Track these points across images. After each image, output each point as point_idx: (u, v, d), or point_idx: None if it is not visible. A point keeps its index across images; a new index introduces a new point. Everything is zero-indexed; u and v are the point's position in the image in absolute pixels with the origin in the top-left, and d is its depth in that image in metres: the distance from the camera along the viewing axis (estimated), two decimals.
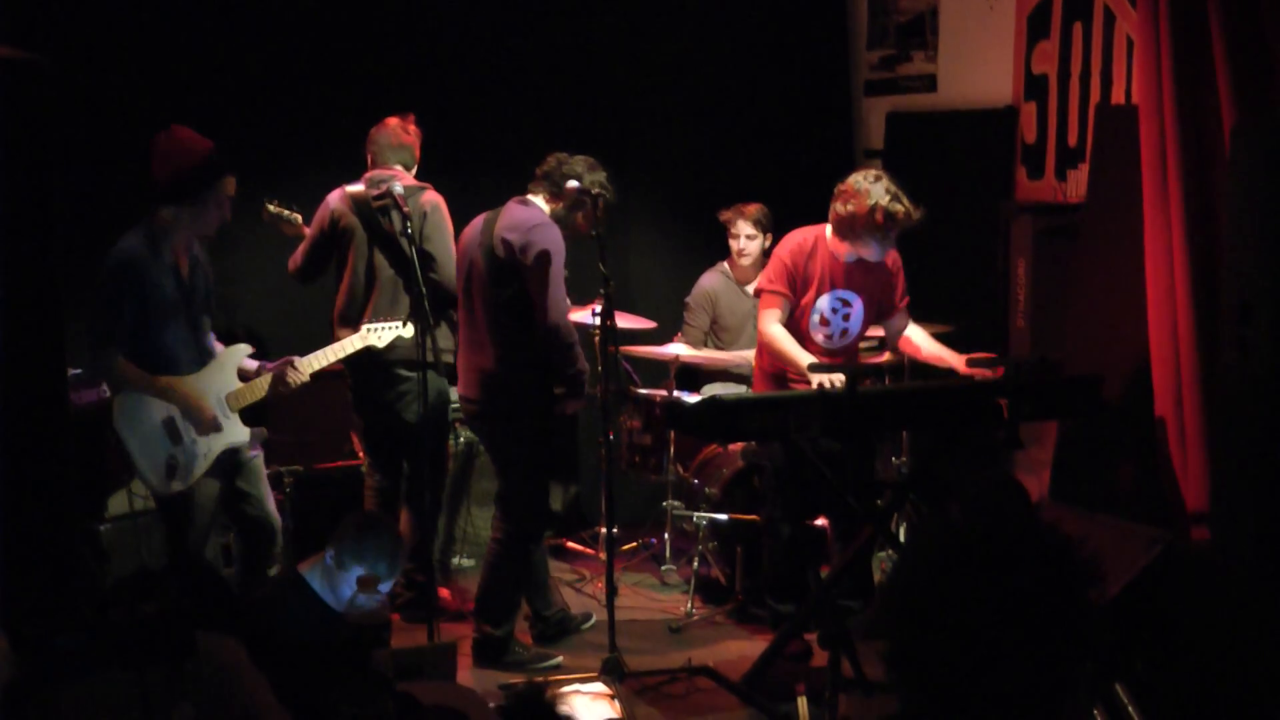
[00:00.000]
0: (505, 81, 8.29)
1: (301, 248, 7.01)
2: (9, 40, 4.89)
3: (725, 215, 7.88)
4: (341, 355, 6.36)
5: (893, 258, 6.68)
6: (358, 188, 6.76)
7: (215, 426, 5.92)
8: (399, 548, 5.01)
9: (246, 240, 7.58)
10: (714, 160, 8.94)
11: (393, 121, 6.86)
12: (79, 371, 6.50)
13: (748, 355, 7.66)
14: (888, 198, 6.30)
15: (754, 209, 7.83)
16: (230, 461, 6.04)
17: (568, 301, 6.42)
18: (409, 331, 6.46)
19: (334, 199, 6.86)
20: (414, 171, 6.88)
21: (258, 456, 6.17)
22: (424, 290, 6.17)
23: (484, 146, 7.90)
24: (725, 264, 8.09)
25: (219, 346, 6.13)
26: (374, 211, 6.68)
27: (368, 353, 6.60)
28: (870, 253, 6.46)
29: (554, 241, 6.30)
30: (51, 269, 4.61)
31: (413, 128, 6.90)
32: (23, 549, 4.46)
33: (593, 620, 6.81)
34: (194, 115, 6.14)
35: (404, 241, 6.37)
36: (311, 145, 7.90)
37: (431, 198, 6.71)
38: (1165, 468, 6.40)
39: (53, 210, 4.56)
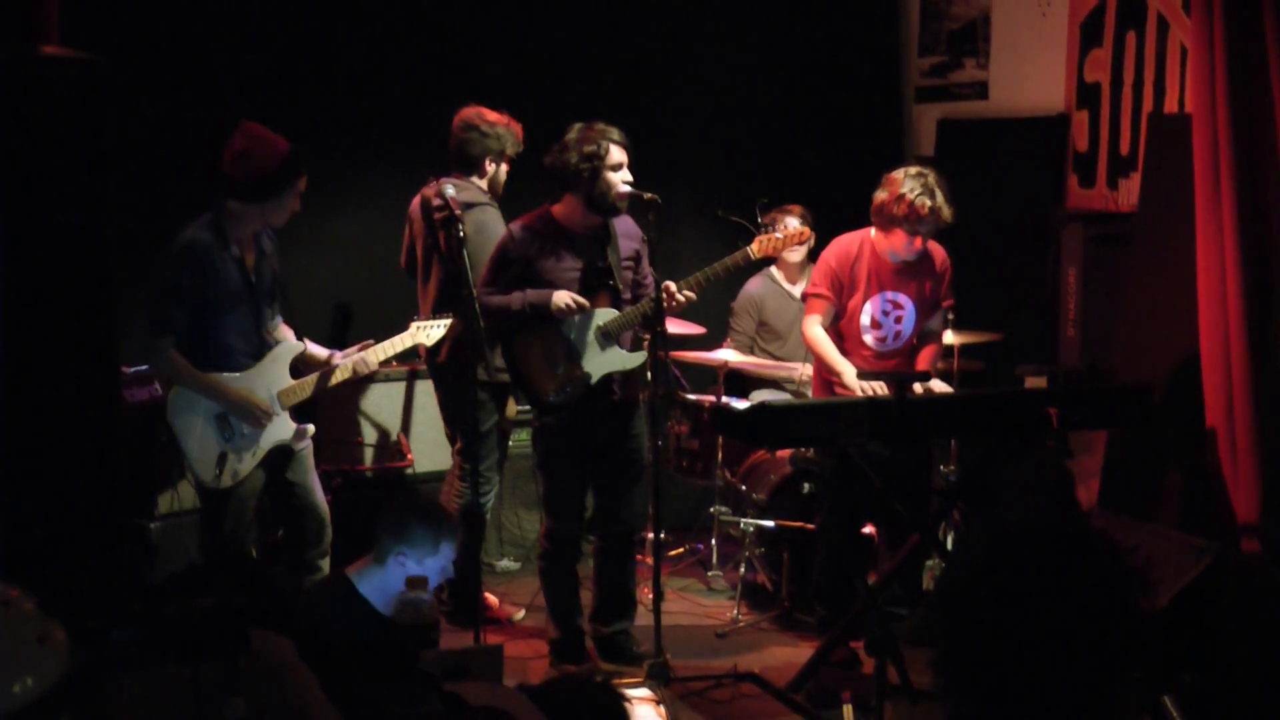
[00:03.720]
0: (555, 87, 8.30)
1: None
2: (64, 39, 4.93)
3: (768, 218, 7.85)
4: (393, 352, 6.37)
5: (941, 257, 6.69)
6: (429, 191, 6.78)
7: (267, 420, 5.97)
8: (443, 522, 4.91)
9: (304, 240, 7.65)
10: (764, 165, 8.94)
11: (462, 116, 6.91)
12: (135, 369, 6.56)
13: (798, 368, 7.64)
14: (918, 190, 6.34)
15: (797, 208, 7.85)
16: (278, 457, 6.09)
17: (488, 295, 6.22)
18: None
19: (415, 200, 6.99)
20: (502, 165, 6.93)
21: (307, 448, 6.21)
22: (476, 294, 6.16)
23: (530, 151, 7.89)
24: (772, 268, 8.10)
25: (289, 334, 6.23)
26: (433, 218, 6.71)
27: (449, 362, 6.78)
28: (902, 246, 6.47)
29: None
30: (107, 268, 4.64)
31: (491, 116, 6.90)
32: (77, 543, 4.50)
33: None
34: (239, 110, 6.18)
35: (459, 251, 6.35)
36: (359, 144, 7.99)
37: (479, 216, 6.71)
38: (1216, 478, 6.36)
39: (109, 209, 4.60)
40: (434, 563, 4.78)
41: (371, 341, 6.30)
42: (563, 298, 6.14)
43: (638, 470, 6.46)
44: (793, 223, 7.70)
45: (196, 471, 5.91)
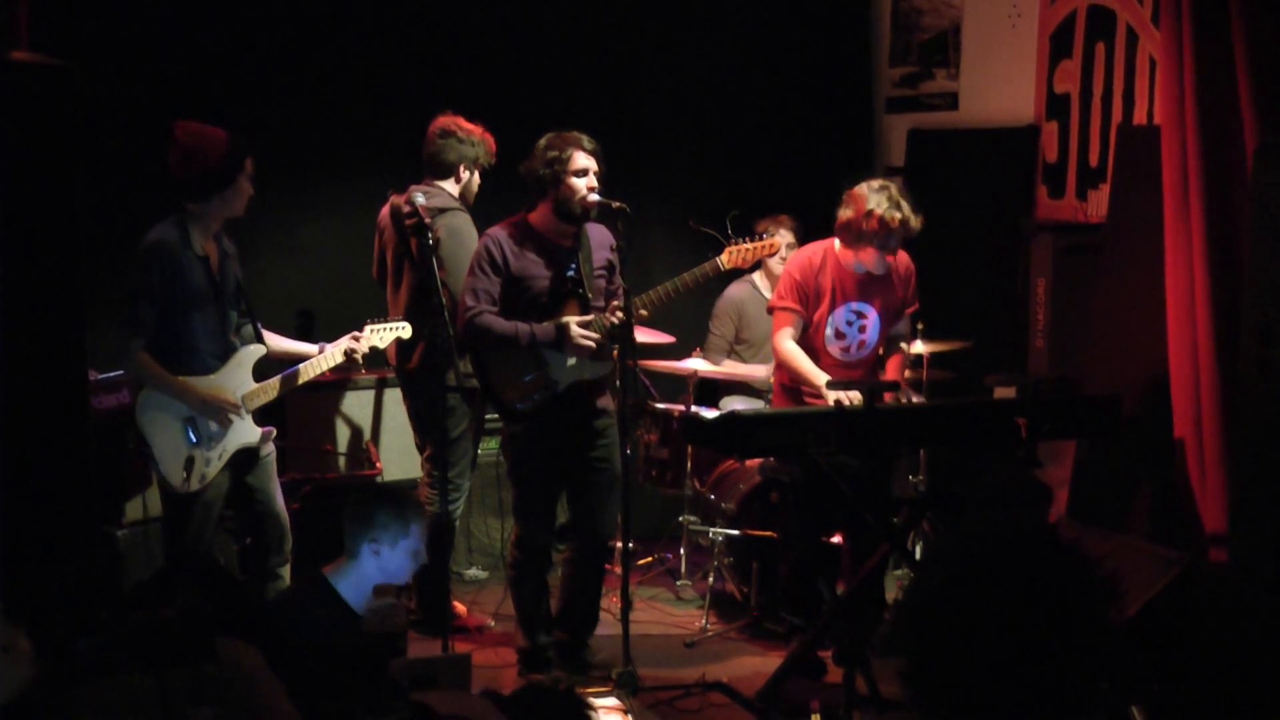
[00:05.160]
0: (529, 97, 8.28)
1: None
2: (33, 44, 4.91)
3: (763, 225, 7.79)
4: (341, 360, 6.37)
5: (905, 263, 6.69)
6: (399, 199, 6.77)
7: (236, 415, 5.97)
8: (407, 503, 4.94)
9: (271, 246, 7.63)
10: (735, 176, 8.93)
11: (439, 124, 6.88)
12: (103, 376, 6.54)
13: (764, 370, 7.64)
14: (886, 204, 6.32)
15: (786, 219, 7.86)
16: (242, 460, 6.08)
17: (468, 309, 6.18)
18: (408, 332, 6.52)
19: (385, 209, 6.95)
20: (475, 174, 6.90)
21: (270, 454, 6.21)
22: (444, 302, 6.16)
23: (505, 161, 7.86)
24: (754, 276, 8.10)
25: (279, 341, 6.29)
26: (404, 225, 6.69)
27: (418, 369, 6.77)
28: (872, 260, 6.48)
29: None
30: (75, 274, 4.62)
31: (466, 125, 6.87)
32: (43, 551, 4.48)
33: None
34: (213, 115, 6.16)
35: (430, 259, 6.32)
36: (331, 148, 7.99)
37: (451, 220, 6.70)
38: (1184, 488, 6.39)
39: (78, 215, 4.58)
40: (407, 544, 4.82)
41: (359, 334, 6.34)
42: (577, 334, 6.11)
43: (610, 479, 6.40)
44: (785, 234, 7.73)
45: (164, 474, 5.90)
